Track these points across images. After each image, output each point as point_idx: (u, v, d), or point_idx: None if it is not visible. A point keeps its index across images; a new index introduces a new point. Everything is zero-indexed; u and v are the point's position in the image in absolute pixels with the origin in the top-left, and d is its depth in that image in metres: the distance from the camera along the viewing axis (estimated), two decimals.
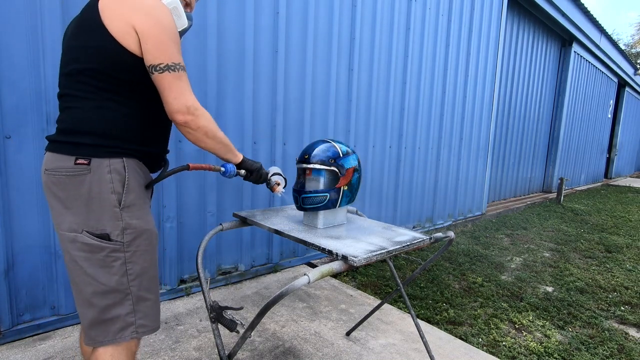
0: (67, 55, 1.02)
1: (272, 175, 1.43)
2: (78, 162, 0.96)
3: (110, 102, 1.00)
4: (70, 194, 0.97)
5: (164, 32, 0.98)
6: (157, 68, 0.98)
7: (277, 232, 1.37)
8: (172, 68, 0.99)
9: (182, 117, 1.01)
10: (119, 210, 0.99)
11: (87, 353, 1.17)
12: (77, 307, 1.01)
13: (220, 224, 1.47)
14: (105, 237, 0.97)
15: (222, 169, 1.24)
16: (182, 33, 1.15)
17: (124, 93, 1.01)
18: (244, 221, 1.54)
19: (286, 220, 1.53)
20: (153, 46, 0.97)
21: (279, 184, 1.43)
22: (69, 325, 1.96)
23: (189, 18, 1.17)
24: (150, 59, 0.97)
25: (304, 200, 1.42)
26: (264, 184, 1.42)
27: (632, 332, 2.35)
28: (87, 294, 0.98)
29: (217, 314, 1.16)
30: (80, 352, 1.22)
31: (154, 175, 1.17)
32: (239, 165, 1.27)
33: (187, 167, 1.15)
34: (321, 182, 1.44)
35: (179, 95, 1.00)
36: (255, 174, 1.31)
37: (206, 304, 1.20)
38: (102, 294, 0.98)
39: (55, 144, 1.01)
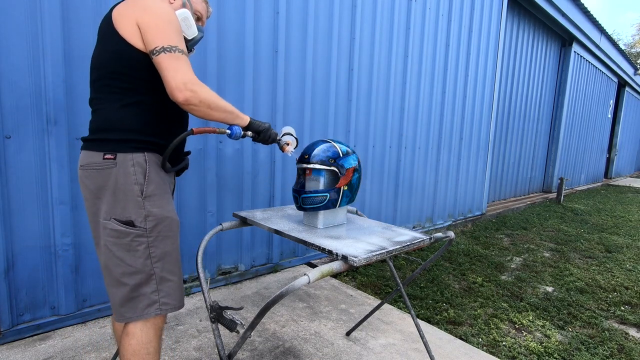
0: (92, 65, 1.15)
1: (282, 136, 1.43)
2: (106, 157, 1.07)
3: (130, 99, 1.09)
4: (100, 185, 1.08)
5: (159, 19, 1.04)
6: (154, 51, 1.03)
7: (277, 232, 1.37)
8: (168, 49, 1.03)
9: (181, 95, 1.03)
10: (141, 199, 1.09)
11: (119, 332, 1.26)
12: (107, 288, 1.12)
13: (220, 224, 1.47)
14: (130, 223, 1.07)
15: (228, 131, 1.24)
16: (193, 43, 1.27)
17: (142, 90, 1.10)
18: (244, 221, 1.54)
19: (286, 220, 1.53)
20: (150, 33, 1.04)
21: (288, 144, 1.42)
22: (69, 326, 1.96)
23: (200, 30, 1.28)
24: (149, 46, 1.04)
25: (304, 200, 1.42)
26: (274, 144, 1.44)
27: (632, 332, 2.35)
28: (117, 274, 1.08)
29: (217, 314, 1.17)
30: (113, 331, 1.39)
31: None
32: (247, 128, 1.28)
33: (192, 132, 1.17)
34: (321, 182, 1.44)
35: (175, 73, 1.02)
36: (263, 134, 1.31)
37: (206, 304, 1.20)
38: (130, 274, 1.08)
39: (87, 143, 1.12)
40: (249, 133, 1.29)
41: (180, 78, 1.02)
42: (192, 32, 1.22)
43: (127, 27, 1.06)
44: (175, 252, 1.16)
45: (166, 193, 1.16)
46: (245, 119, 1.27)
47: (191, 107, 1.06)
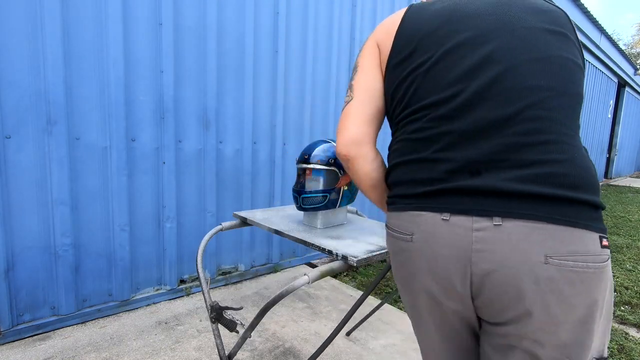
0: (554, 62, 0.64)
1: None
2: (604, 244, 0.60)
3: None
4: (594, 298, 0.59)
5: None
6: None
7: (277, 232, 1.37)
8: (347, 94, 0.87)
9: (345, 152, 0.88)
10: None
11: None
12: None
13: (220, 224, 1.47)
14: None
15: None
16: None
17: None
18: (244, 221, 1.54)
19: (286, 220, 1.53)
20: None
21: None
22: (69, 326, 1.96)
23: None
24: None
25: (304, 200, 1.42)
26: None
27: (632, 332, 2.35)
28: None
29: (217, 314, 1.17)
30: None
31: None
32: None
33: None
34: (321, 182, 1.44)
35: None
36: None
37: (206, 304, 1.20)
38: None
39: (567, 207, 0.59)
40: None
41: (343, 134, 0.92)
42: None
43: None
44: None
45: None
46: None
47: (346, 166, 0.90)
